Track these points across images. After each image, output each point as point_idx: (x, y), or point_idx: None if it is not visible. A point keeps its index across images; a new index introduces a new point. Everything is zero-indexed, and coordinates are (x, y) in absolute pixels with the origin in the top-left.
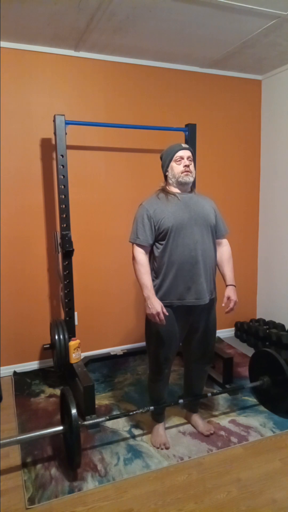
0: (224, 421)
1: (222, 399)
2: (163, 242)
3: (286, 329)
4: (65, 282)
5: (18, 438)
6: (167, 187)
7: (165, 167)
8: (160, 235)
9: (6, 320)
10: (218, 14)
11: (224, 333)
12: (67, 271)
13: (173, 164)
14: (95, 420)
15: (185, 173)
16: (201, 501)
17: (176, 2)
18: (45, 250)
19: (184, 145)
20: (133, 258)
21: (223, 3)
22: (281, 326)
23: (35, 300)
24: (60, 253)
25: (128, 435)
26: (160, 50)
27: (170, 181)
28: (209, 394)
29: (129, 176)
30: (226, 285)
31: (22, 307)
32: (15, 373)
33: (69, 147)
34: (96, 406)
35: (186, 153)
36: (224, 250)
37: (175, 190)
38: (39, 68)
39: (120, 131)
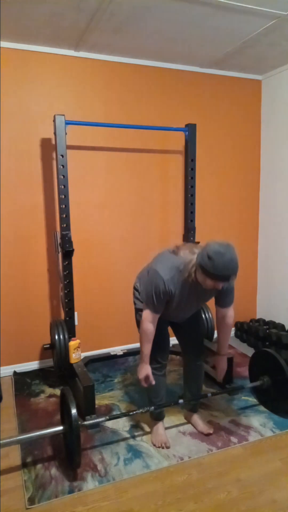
0: (224, 421)
1: (222, 399)
2: None
3: (286, 329)
4: (65, 282)
5: (18, 438)
6: (194, 273)
7: (203, 266)
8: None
9: (6, 320)
10: (218, 14)
11: None
12: (67, 271)
13: (208, 279)
14: (95, 420)
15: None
16: (201, 501)
17: (176, 2)
18: (45, 250)
19: (233, 277)
20: (142, 322)
21: (223, 3)
22: (281, 326)
23: (35, 300)
24: (60, 253)
25: (128, 435)
26: (160, 50)
27: (197, 272)
28: (209, 394)
29: (129, 176)
30: (219, 354)
31: (22, 307)
32: (15, 373)
33: (69, 147)
34: (96, 406)
35: (224, 285)
36: (227, 322)
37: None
38: (39, 68)
39: (120, 131)
